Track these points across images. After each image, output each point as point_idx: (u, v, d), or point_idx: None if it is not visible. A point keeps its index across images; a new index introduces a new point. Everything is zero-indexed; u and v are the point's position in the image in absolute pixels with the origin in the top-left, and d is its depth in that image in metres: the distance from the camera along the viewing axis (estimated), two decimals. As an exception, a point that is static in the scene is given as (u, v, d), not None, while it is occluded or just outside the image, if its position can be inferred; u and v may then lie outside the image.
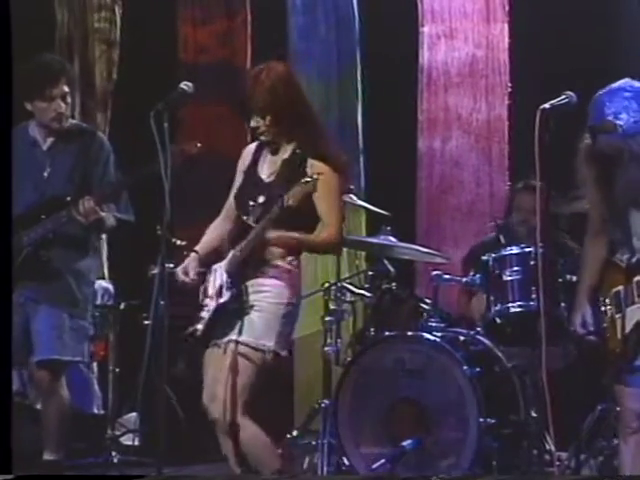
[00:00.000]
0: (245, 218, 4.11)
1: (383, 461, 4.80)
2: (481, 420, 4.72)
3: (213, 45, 6.81)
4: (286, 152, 4.14)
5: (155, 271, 4.73)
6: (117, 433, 5.80)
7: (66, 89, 4.85)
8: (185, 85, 4.29)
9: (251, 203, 4.11)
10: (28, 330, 4.80)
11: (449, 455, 4.77)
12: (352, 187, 5.86)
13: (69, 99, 4.89)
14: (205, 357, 4.12)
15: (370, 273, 5.53)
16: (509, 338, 5.07)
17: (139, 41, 6.62)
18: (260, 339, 4.04)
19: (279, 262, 4.10)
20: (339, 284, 5.47)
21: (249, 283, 4.08)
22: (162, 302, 4.31)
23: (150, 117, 4.06)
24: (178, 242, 5.86)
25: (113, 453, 5.64)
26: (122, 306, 5.95)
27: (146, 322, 5.23)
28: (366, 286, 5.48)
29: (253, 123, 4.09)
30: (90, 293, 4.94)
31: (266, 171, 4.17)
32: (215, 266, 4.12)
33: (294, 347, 6.20)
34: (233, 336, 4.04)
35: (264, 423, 4.11)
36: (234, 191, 4.23)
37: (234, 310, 4.07)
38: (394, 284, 5.35)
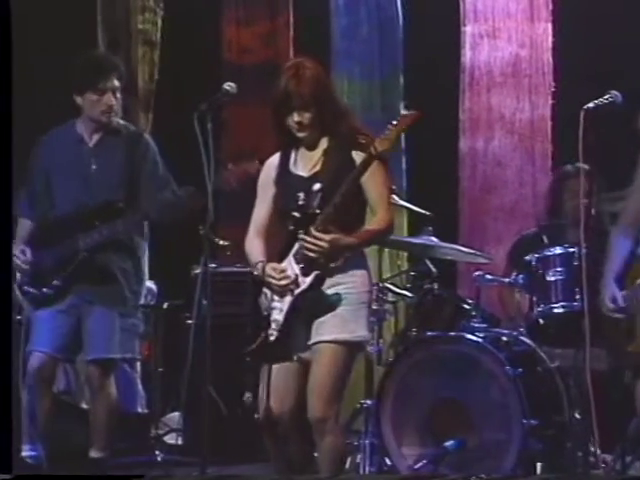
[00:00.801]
0: (297, 214, 4.03)
1: (425, 461, 4.79)
2: (524, 421, 4.69)
3: (256, 46, 6.83)
4: (324, 144, 4.12)
5: (198, 271, 4.77)
6: (161, 432, 5.83)
7: (117, 84, 4.89)
8: (228, 86, 4.31)
9: (301, 196, 4.06)
10: (79, 330, 4.85)
11: (492, 456, 4.75)
12: (394, 187, 5.86)
13: (119, 94, 4.92)
14: (281, 365, 4.05)
15: (412, 273, 5.52)
16: (552, 339, 5.05)
17: (183, 42, 6.65)
18: (355, 332, 4.01)
19: (358, 261, 4.08)
20: (381, 284, 5.47)
21: (328, 284, 4.02)
22: (205, 302, 4.33)
23: (194, 118, 4.08)
24: (221, 242, 5.91)
25: (157, 452, 5.68)
26: (165, 306, 5.99)
27: (189, 322, 5.26)
28: (408, 286, 5.47)
29: (296, 118, 4.06)
30: (139, 291, 4.97)
31: (304, 168, 4.13)
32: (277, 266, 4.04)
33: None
34: (324, 336, 3.97)
35: (306, 424, 4.12)
36: (268, 204, 4.14)
37: (315, 304, 4.00)
38: (436, 284, 5.33)
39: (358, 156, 4.03)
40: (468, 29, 6.51)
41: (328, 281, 4.02)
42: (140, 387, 6.07)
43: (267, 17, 6.77)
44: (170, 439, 5.89)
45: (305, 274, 3.99)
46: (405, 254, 6.06)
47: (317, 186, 4.04)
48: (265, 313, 4.03)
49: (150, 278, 6.32)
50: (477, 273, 5.26)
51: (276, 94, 4.10)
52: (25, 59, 5.94)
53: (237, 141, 6.63)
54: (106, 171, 4.89)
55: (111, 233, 4.78)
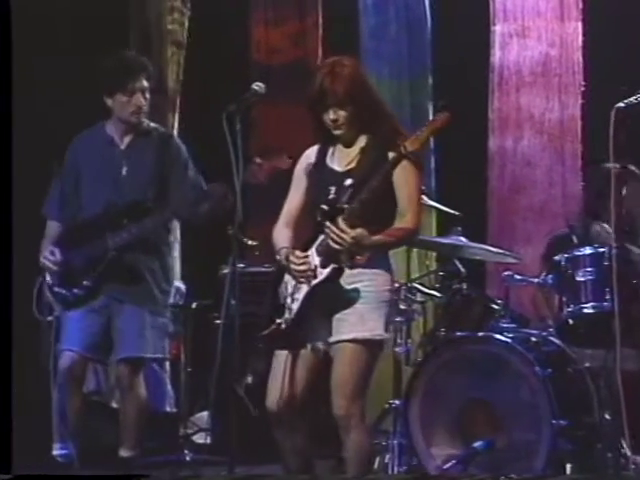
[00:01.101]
0: (325, 208, 4.04)
1: (454, 462, 4.78)
2: (554, 422, 4.67)
3: (285, 46, 6.84)
4: (362, 142, 4.13)
5: (226, 270, 4.78)
6: (189, 432, 5.85)
7: (146, 84, 4.91)
8: (257, 86, 4.31)
9: (332, 189, 4.07)
10: (110, 330, 4.87)
11: (522, 457, 4.73)
12: (423, 187, 5.85)
13: (148, 95, 4.94)
14: (302, 357, 4.07)
15: (441, 273, 5.51)
16: (582, 339, 5.01)
17: (211, 42, 6.67)
18: (375, 330, 4.02)
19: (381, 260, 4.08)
20: (409, 284, 5.47)
21: (344, 269, 4.01)
22: (233, 302, 4.34)
23: (223, 118, 4.09)
24: (249, 242, 5.92)
25: (186, 451, 5.69)
26: (194, 306, 6.00)
27: (217, 321, 5.27)
28: (436, 286, 5.47)
29: (332, 116, 4.07)
30: (168, 290, 5.00)
31: (340, 163, 4.14)
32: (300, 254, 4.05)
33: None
34: (344, 335, 3.99)
35: (334, 423, 4.12)
36: (301, 194, 4.17)
37: (331, 297, 4.01)
38: (465, 284, 5.32)
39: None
40: (497, 28, 6.49)
41: (348, 277, 4.02)
42: (169, 386, 6.09)
43: (296, 17, 6.78)
44: (199, 438, 5.90)
45: (324, 266, 4.00)
46: (434, 254, 6.05)
47: (349, 181, 4.05)
48: (282, 302, 4.05)
49: (179, 278, 6.38)
50: (506, 273, 5.24)
51: (311, 91, 4.11)
52: (45, 61, 6.01)
53: (265, 141, 6.64)
54: (137, 173, 4.91)
55: (140, 232, 4.79)
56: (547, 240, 5.68)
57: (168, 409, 6.08)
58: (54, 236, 5.01)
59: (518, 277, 5.22)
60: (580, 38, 6.38)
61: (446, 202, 5.71)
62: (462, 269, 5.38)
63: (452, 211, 5.60)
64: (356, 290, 4.02)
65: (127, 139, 4.97)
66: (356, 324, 4.00)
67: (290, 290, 4.07)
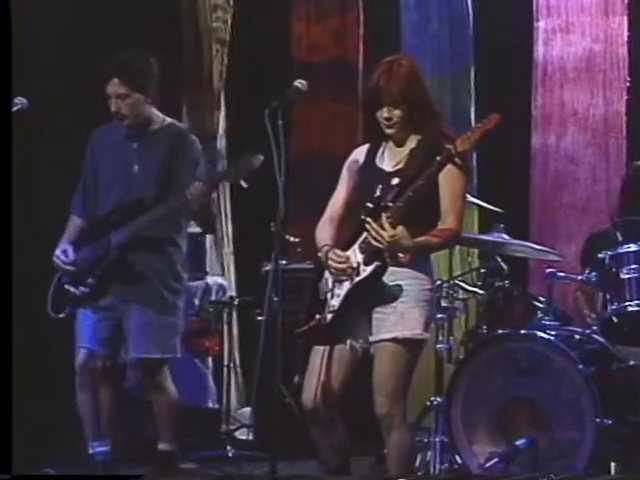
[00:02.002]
0: (371, 206, 4.03)
1: (496, 460, 4.76)
2: (598, 420, 4.64)
3: (326, 43, 6.84)
4: (413, 142, 4.12)
5: (269, 267, 4.78)
6: (232, 427, 5.87)
7: (120, 90, 4.80)
8: (299, 83, 4.30)
9: (379, 187, 4.06)
10: (120, 328, 4.84)
11: (564, 455, 4.70)
12: (468, 190, 5.83)
13: (127, 99, 4.81)
14: (340, 354, 4.06)
15: (483, 270, 5.49)
16: (626, 337, 4.97)
17: (253, 39, 6.68)
18: (415, 329, 4.00)
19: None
20: (451, 281, 5.45)
21: (387, 267, 4.01)
22: (276, 298, 4.35)
23: (265, 115, 4.09)
24: (292, 239, 5.94)
25: (228, 447, 5.72)
26: (236, 302, 6.02)
27: (259, 318, 5.27)
28: (478, 284, 5.45)
29: (386, 114, 4.06)
30: (178, 289, 4.90)
31: (389, 163, 4.13)
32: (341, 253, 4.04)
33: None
34: (385, 334, 3.98)
35: (375, 419, 4.12)
36: (347, 192, 4.17)
37: (373, 294, 4.01)
38: (507, 282, 5.29)
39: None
40: (541, 24, 6.45)
41: (389, 275, 4.01)
42: (211, 382, 6.11)
43: (337, 14, 6.77)
44: (241, 434, 5.93)
45: (367, 264, 3.99)
46: (476, 251, 6.03)
47: (395, 180, 4.04)
48: (322, 297, 4.04)
49: (222, 274, 6.41)
50: (549, 270, 5.21)
51: (368, 89, 4.12)
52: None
53: (307, 138, 6.65)
54: (146, 171, 4.87)
55: (138, 229, 4.75)
56: (589, 237, 5.64)
57: (210, 405, 6.09)
58: (71, 233, 4.99)
59: (561, 274, 5.19)
60: (625, 33, 6.33)
61: (488, 199, 5.69)
62: (504, 266, 5.36)
63: (494, 208, 5.57)
64: (398, 287, 4.01)
65: (141, 136, 4.92)
66: (397, 323, 3.99)
67: (330, 286, 4.07)
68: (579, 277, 5.18)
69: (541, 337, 4.88)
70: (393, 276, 4.02)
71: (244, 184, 4.54)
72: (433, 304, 4.15)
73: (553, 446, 4.73)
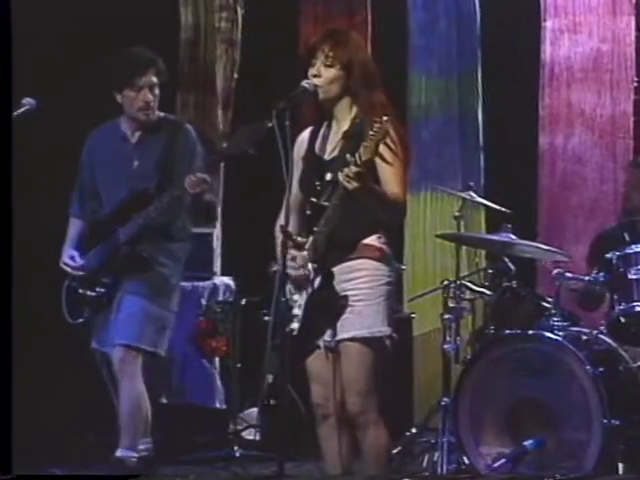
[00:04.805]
0: (315, 200, 4.02)
1: (504, 460, 4.75)
2: (605, 421, 4.63)
3: (334, 43, 6.82)
4: (347, 122, 4.07)
5: (276, 268, 4.78)
6: (239, 428, 5.87)
7: (154, 80, 4.90)
8: (307, 83, 4.30)
9: (317, 183, 4.04)
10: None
11: (572, 456, 4.69)
12: (472, 184, 5.83)
13: (157, 90, 4.92)
14: (311, 357, 4.08)
15: (490, 271, 5.48)
16: (634, 338, 4.97)
17: (261, 40, 6.68)
18: (373, 327, 3.98)
19: (367, 241, 4.02)
20: (458, 282, 5.45)
21: (336, 269, 3.99)
22: (283, 299, 4.34)
23: (272, 115, 4.09)
24: (299, 239, 5.92)
25: (235, 447, 5.72)
26: (243, 302, 6.02)
27: (266, 318, 5.27)
28: (486, 284, 5.44)
29: (314, 71, 4.06)
30: (176, 284, 4.94)
31: (326, 148, 4.12)
32: (297, 255, 4.02)
33: (413, 345, 6.22)
34: (345, 334, 3.98)
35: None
36: (296, 179, 4.08)
37: (328, 302, 3.99)
38: (514, 282, 5.29)
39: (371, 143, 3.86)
40: (548, 24, 6.44)
41: (342, 274, 3.99)
42: (219, 382, 6.11)
43: (345, 14, 6.76)
44: (248, 435, 5.93)
45: (316, 271, 3.98)
46: (483, 252, 6.02)
47: (329, 176, 4.00)
48: (289, 305, 4.00)
49: (228, 274, 6.41)
50: (556, 271, 5.20)
51: (303, 51, 4.17)
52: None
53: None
54: (146, 165, 4.91)
55: (145, 221, 4.78)
56: (596, 237, 5.63)
57: (217, 405, 6.10)
58: (74, 237, 5.02)
59: (569, 275, 5.18)
60: (633, 33, 6.31)
61: (496, 199, 5.68)
62: (512, 267, 5.35)
63: (502, 208, 5.57)
64: (349, 287, 3.97)
65: (138, 134, 4.98)
66: (354, 322, 3.98)
67: (291, 293, 4.04)
68: (587, 278, 5.17)
69: (549, 338, 4.87)
70: (347, 275, 3.99)
71: (251, 151, 4.52)
72: (393, 297, 4.07)
73: (561, 447, 4.72)
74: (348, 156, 3.86)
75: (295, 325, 3.99)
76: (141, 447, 4.83)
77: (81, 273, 4.92)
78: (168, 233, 4.90)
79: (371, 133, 3.83)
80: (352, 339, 3.99)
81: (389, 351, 4.04)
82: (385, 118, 3.84)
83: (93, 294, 4.87)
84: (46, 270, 5.20)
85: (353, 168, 3.82)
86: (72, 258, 4.94)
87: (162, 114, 5.01)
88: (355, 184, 3.83)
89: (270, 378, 4.09)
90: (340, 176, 3.87)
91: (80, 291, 4.90)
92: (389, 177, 3.98)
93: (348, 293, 3.99)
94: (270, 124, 4.15)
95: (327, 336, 4.05)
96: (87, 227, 5.04)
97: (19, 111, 4.71)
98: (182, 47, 6.76)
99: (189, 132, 4.98)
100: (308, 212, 4.05)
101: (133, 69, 4.88)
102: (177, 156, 4.89)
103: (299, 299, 4.02)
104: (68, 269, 4.94)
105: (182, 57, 6.77)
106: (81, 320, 4.92)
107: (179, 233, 4.96)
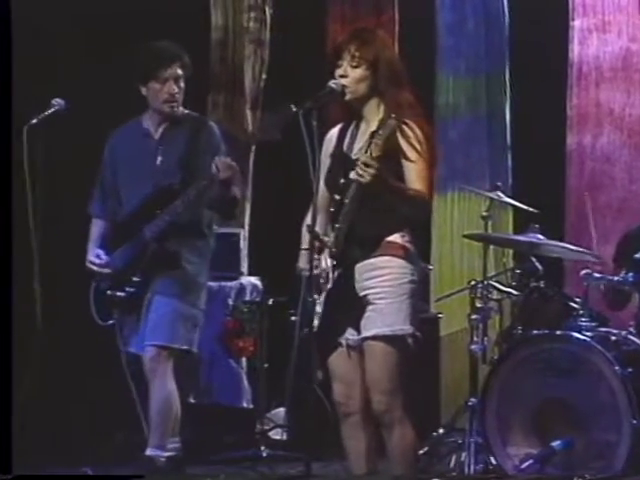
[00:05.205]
0: (338, 197, 4.03)
1: (532, 461, 4.73)
2: (634, 422, 4.61)
3: (361, 43, 6.82)
4: (375, 122, 4.06)
5: (302, 267, 4.77)
6: (266, 428, 5.88)
7: (179, 72, 4.90)
8: (334, 83, 4.31)
9: (342, 181, 4.04)
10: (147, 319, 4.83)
11: (601, 457, 4.67)
12: (500, 184, 5.82)
13: (182, 84, 4.92)
14: (332, 355, 4.08)
15: (518, 271, 5.46)
16: (663, 339, 4.94)
17: (288, 40, 6.69)
18: (395, 325, 3.97)
19: (391, 238, 4.02)
20: (486, 282, 5.43)
21: (358, 266, 3.99)
22: (309, 299, 4.35)
23: (299, 115, 4.09)
24: (326, 238, 5.92)
25: (262, 447, 5.73)
26: (270, 302, 6.03)
27: (293, 318, 5.27)
28: (513, 284, 5.42)
29: (341, 72, 4.06)
30: (203, 283, 4.93)
31: (354, 147, 4.12)
32: (322, 254, 4.02)
33: (440, 345, 6.21)
34: (367, 332, 3.98)
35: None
36: (322, 177, 4.08)
37: (349, 299, 3.99)
38: (542, 282, 5.27)
39: (405, 145, 3.93)
40: (577, 23, 6.41)
41: (363, 274, 3.99)
42: (245, 382, 6.12)
43: (372, 14, 6.76)
44: (275, 435, 5.94)
45: (335, 270, 3.97)
46: (510, 251, 6.01)
47: (352, 175, 3.98)
48: (314, 304, 4.00)
49: (256, 274, 6.42)
50: (585, 271, 5.17)
51: (329, 51, 4.16)
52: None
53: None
54: (169, 161, 4.90)
55: (172, 217, 4.77)
56: (623, 237, 5.60)
57: (245, 405, 6.11)
58: (97, 237, 5.01)
59: (597, 275, 5.16)
60: (662, 32, 6.29)
61: (523, 199, 5.67)
62: (539, 267, 5.33)
63: (529, 208, 5.55)
64: (372, 285, 3.96)
65: (161, 129, 4.97)
66: (376, 320, 3.97)
67: (317, 292, 4.03)
68: (615, 278, 5.14)
69: (577, 338, 4.85)
70: (369, 273, 3.98)
71: (278, 135, 4.51)
72: (416, 296, 4.05)
73: (589, 447, 4.70)
74: (362, 152, 3.87)
75: (315, 322, 3.99)
76: (170, 446, 4.84)
77: (108, 271, 4.89)
78: (194, 229, 4.90)
79: (380, 131, 3.85)
80: (374, 337, 3.98)
81: (412, 350, 4.03)
82: (393, 115, 3.86)
83: (122, 294, 4.85)
84: (73, 271, 5.20)
85: (364, 163, 3.84)
86: (98, 256, 4.93)
87: (186, 110, 5.01)
88: (367, 178, 3.84)
89: (320, 375, 4.11)
90: (352, 173, 3.89)
91: (109, 292, 4.89)
92: (413, 175, 3.98)
93: (370, 291, 3.99)
94: (295, 108, 4.18)
95: (349, 334, 4.06)
96: (110, 226, 5.03)
97: (48, 112, 4.74)
98: (213, 48, 6.78)
99: (212, 128, 4.98)
100: (332, 210, 4.06)
101: (158, 61, 4.88)
102: (200, 152, 4.88)
103: (321, 297, 4.02)
104: (95, 268, 4.92)
105: (213, 57, 6.79)
106: (111, 322, 4.90)
107: (205, 229, 4.95)
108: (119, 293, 4.86)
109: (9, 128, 4.30)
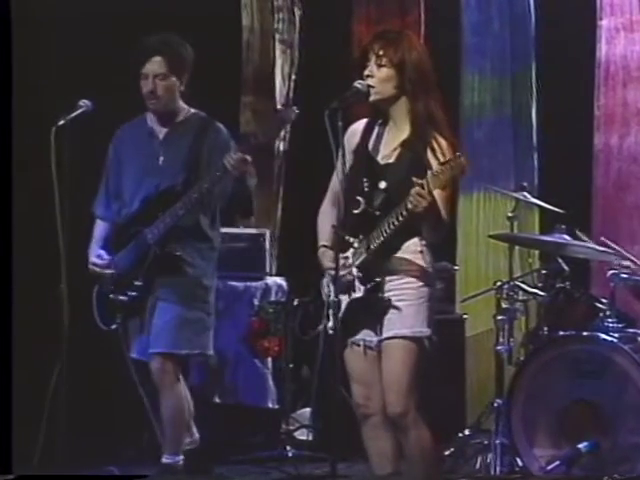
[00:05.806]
0: (364, 204, 4.03)
1: (558, 463, 4.72)
2: (661, 424, 4.60)
3: (387, 44, 6.81)
4: (405, 130, 4.06)
5: (326, 267, 4.76)
6: (291, 428, 5.88)
7: (159, 68, 4.78)
8: (359, 84, 4.30)
9: (366, 184, 4.03)
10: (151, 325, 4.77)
11: (628, 459, 4.66)
12: (525, 184, 5.79)
13: (163, 80, 4.79)
14: (352, 356, 4.08)
15: (544, 272, 5.44)
16: (691, 340, 4.91)
17: (316, 41, 6.69)
18: (414, 327, 3.99)
19: (409, 242, 4.02)
20: (512, 283, 5.42)
21: (385, 279, 4.00)
22: (335, 299, 4.34)
23: (325, 116, 4.09)
24: (351, 239, 5.92)
25: (287, 447, 5.73)
26: (295, 302, 6.02)
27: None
28: (539, 285, 5.40)
29: (367, 72, 4.06)
30: (209, 285, 4.85)
31: (381, 150, 4.10)
32: (346, 255, 4.03)
33: (466, 346, 6.19)
34: (386, 333, 3.99)
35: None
36: (344, 173, 4.04)
37: (370, 301, 4.00)
38: (568, 283, 5.25)
39: (433, 159, 3.93)
40: (604, 23, 6.37)
41: (386, 277, 4.00)
42: (271, 383, 6.13)
43: (397, 15, 6.75)
44: (300, 435, 5.94)
45: (361, 281, 3.99)
46: (537, 252, 5.98)
47: (383, 185, 4.00)
48: (325, 299, 4.02)
49: (280, 275, 6.42)
50: (612, 272, 5.15)
51: (357, 50, 4.13)
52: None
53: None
54: (172, 162, 4.82)
55: (173, 219, 4.69)
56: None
57: (270, 405, 6.11)
58: (100, 238, 4.92)
59: (624, 276, 5.13)
60: (691, 31, 6.24)
61: (550, 200, 5.64)
62: (566, 267, 5.31)
63: (556, 209, 5.53)
64: (395, 294, 3.98)
65: (165, 129, 4.89)
66: (396, 322, 3.99)
67: (329, 290, 4.04)
68: (643, 278, 5.12)
69: (604, 339, 4.83)
70: (394, 285, 4.01)
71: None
72: (434, 299, 4.07)
73: (616, 449, 4.69)
74: (415, 179, 3.84)
75: (334, 323, 3.99)
76: (186, 440, 4.83)
77: (110, 272, 4.80)
78: (196, 231, 4.81)
79: (443, 167, 3.81)
80: (393, 338, 4.00)
81: (428, 352, 4.04)
82: (459, 154, 3.83)
83: (125, 298, 4.75)
84: (82, 273, 5.16)
85: (421, 195, 3.82)
86: (99, 256, 4.83)
87: (192, 110, 4.92)
88: (420, 210, 3.85)
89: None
90: (408, 201, 3.86)
91: (111, 296, 4.79)
92: (443, 203, 3.98)
93: (390, 293, 4.01)
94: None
95: (368, 335, 4.06)
96: (113, 228, 4.94)
97: (75, 113, 4.73)
98: (243, 49, 6.77)
99: (220, 128, 4.88)
100: (355, 211, 4.04)
101: (137, 57, 4.82)
102: (206, 152, 4.79)
103: (344, 298, 4.02)
104: (97, 269, 4.82)
105: (244, 59, 6.79)
106: (114, 326, 4.80)
107: (208, 231, 4.85)
108: (121, 297, 4.76)
109: (9, 128, 4.30)
